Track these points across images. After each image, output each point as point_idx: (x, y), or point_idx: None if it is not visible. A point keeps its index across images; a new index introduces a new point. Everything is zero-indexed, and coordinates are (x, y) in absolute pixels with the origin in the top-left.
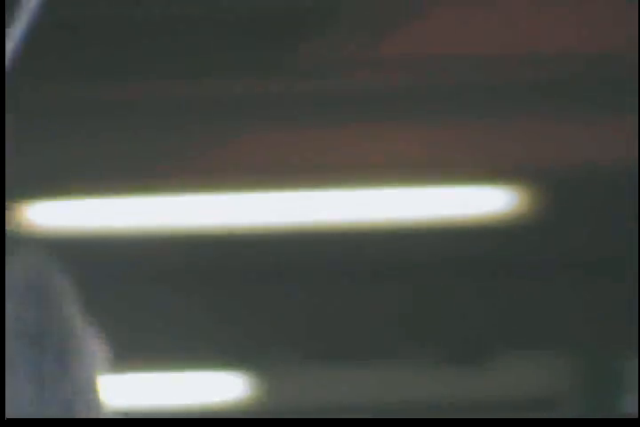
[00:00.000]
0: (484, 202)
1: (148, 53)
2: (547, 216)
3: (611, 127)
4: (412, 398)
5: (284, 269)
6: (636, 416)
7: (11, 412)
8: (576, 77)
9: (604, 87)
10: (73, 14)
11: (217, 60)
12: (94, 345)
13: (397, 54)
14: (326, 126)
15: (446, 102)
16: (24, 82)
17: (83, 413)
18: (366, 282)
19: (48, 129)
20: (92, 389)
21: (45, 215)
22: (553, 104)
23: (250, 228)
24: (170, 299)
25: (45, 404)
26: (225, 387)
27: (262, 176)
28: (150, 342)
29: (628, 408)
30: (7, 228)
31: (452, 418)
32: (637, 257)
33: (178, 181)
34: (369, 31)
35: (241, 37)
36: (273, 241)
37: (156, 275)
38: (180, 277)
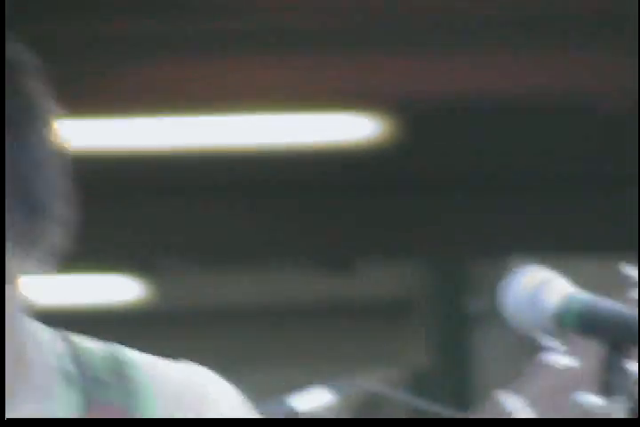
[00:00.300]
0: (353, 128)
1: None
2: (407, 142)
3: (472, 64)
4: (291, 300)
5: (177, 185)
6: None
7: None
8: (441, 16)
9: (465, 23)
10: None
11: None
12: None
13: None
14: (212, 60)
15: (320, 39)
16: None
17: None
18: (250, 199)
19: None
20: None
21: None
22: (418, 41)
23: (136, 150)
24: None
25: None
26: (120, 289)
27: (158, 101)
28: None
29: (473, 309)
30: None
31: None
32: (481, 176)
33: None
34: None
35: None
36: (161, 161)
37: None
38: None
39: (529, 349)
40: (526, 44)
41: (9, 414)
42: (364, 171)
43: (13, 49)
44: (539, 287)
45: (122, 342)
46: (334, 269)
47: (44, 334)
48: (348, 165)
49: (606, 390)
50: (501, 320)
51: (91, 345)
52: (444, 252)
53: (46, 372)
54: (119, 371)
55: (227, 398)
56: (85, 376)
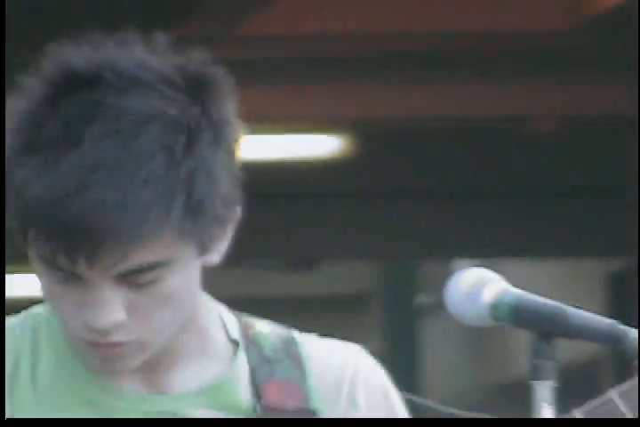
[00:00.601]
0: (320, 146)
1: None
2: (366, 158)
3: (421, 92)
4: (258, 295)
5: None
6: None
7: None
8: (395, 53)
9: (409, 59)
10: None
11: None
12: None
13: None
14: None
15: (297, 70)
16: None
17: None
18: None
19: None
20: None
21: None
22: (378, 73)
23: None
24: None
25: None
26: None
27: None
28: None
29: (422, 303)
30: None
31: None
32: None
33: None
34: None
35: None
36: None
37: None
38: None
39: (471, 337)
40: (467, 76)
41: (191, 380)
42: (328, 181)
43: (209, 67)
44: (478, 285)
45: None
46: (299, 268)
47: (224, 313)
48: (316, 176)
49: (534, 374)
50: (446, 313)
51: (264, 326)
52: (397, 253)
53: (225, 344)
54: (290, 350)
55: (376, 383)
56: (261, 354)
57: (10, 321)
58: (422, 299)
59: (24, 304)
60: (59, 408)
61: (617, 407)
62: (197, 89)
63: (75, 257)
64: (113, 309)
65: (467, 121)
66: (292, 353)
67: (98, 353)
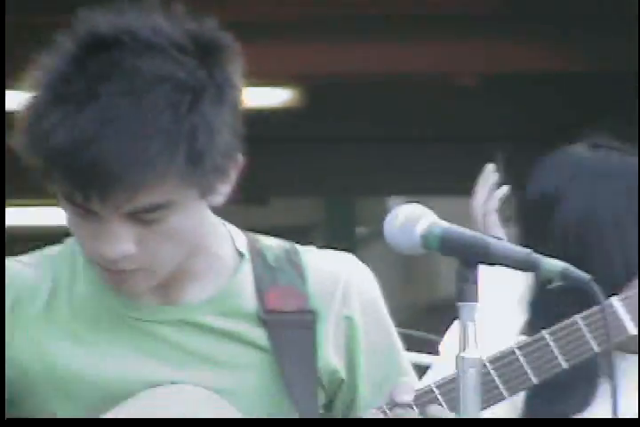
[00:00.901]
0: (273, 98)
1: None
2: (311, 108)
3: (360, 50)
4: None
5: None
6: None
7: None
8: (337, 16)
9: (350, 22)
10: None
11: None
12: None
13: None
14: None
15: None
16: None
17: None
18: None
19: None
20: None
21: None
22: (322, 35)
23: None
24: None
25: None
26: None
27: None
28: None
29: (361, 233)
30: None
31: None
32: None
33: None
34: None
35: None
36: None
37: None
38: None
39: (404, 264)
40: (401, 37)
41: (201, 292)
42: (280, 128)
43: (218, 33)
44: (411, 219)
45: None
46: (252, 203)
47: (234, 232)
48: (270, 124)
49: (459, 296)
50: (383, 243)
51: (269, 240)
52: (340, 190)
53: (233, 258)
54: (293, 260)
55: (366, 287)
56: (265, 264)
57: (52, 249)
58: (362, 231)
59: (61, 233)
60: (91, 320)
61: (580, 330)
62: (206, 54)
63: (88, 195)
64: (122, 242)
65: (403, 75)
66: (293, 262)
67: (110, 278)
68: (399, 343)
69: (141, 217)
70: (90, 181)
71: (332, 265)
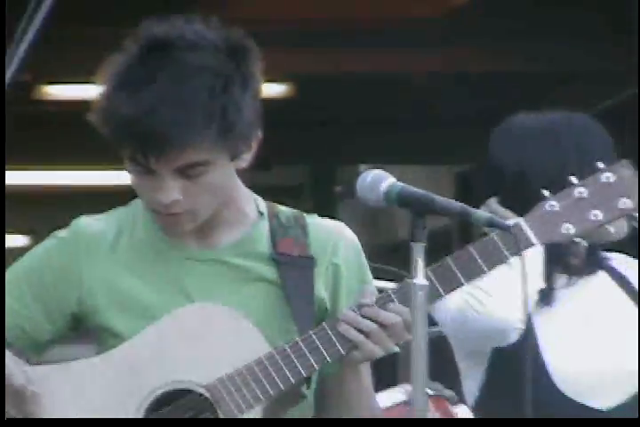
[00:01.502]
0: (272, 91)
1: None
2: (302, 96)
3: (334, 54)
4: None
5: None
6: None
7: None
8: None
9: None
10: None
11: None
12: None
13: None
14: None
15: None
16: None
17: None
18: None
19: None
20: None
21: None
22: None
23: None
24: None
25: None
26: None
27: None
28: None
29: (339, 191)
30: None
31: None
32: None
33: None
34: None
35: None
36: None
37: None
38: None
39: (371, 214)
40: (367, 45)
41: (229, 237)
42: (280, 113)
43: (243, 38)
44: (376, 180)
45: None
46: (259, 169)
47: (258, 199)
48: (270, 110)
49: (413, 238)
50: (356, 199)
51: (283, 208)
52: (325, 159)
53: (255, 215)
54: (299, 221)
55: (350, 243)
56: (279, 222)
57: (119, 208)
58: (340, 189)
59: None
60: (146, 257)
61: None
62: (234, 52)
63: (147, 155)
64: (172, 191)
65: (371, 76)
66: (299, 223)
67: (163, 220)
68: (370, 278)
69: (186, 172)
70: (148, 145)
71: (327, 227)
